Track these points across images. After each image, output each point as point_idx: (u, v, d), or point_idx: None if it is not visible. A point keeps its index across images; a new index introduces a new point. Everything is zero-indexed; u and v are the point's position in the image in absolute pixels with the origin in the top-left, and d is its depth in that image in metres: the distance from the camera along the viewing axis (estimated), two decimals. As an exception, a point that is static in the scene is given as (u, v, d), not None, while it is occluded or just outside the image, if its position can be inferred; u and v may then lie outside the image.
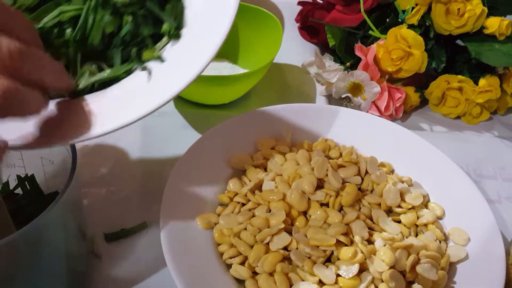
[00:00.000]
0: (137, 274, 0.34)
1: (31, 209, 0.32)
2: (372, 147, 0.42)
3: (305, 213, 0.35)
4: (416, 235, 0.36)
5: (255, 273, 0.33)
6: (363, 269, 0.32)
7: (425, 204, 0.39)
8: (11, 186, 0.34)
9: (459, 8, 0.47)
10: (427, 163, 0.41)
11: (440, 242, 0.35)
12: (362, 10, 0.50)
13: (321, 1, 0.56)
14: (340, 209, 0.36)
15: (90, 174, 0.41)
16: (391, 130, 0.43)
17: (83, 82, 0.26)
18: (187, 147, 0.38)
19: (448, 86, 0.49)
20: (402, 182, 0.39)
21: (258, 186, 0.38)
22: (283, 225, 0.33)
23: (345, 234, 0.33)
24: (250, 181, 0.38)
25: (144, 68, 0.27)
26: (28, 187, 0.33)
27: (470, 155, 0.46)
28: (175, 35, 0.28)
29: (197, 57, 0.26)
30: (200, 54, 0.26)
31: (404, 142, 0.42)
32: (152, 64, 0.27)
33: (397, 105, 0.49)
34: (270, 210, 0.35)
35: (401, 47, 0.47)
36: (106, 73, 0.27)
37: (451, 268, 0.34)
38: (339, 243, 0.33)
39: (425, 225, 0.36)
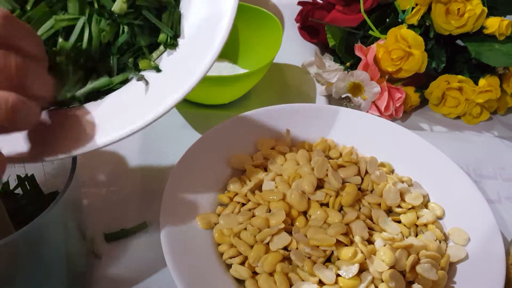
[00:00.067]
0: (137, 274, 0.34)
1: (31, 209, 0.32)
2: (372, 147, 0.42)
3: (305, 213, 0.35)
4: (416, 235, 0.36)
5: (255, 273, 0.33)
6: (363, 269, 0.32)
7: (425, 204, 0.39)
8: (11, 186, 0.34)
9: (459, 8, 0.47)
10: (427, 163, 0.41)
11: (440, 242, 0.35)
12: (362, 10, 0.50)
13: (321, 1, 0.56)
14: (340, 209, 0.36)
15: (90, 174, 0.41)
16: (391, 130, 0.43)
17: (79, 91, 0.26)
18: (187, 147, 0.38)
19: (448, 86, 0.49)
20: (402, 182, 0.39)
21: (258, 186, 0.38)
22: (283, 225, 0.33)
23: (345, 234, 0.33)
24: (250, 181, 0.38)
25: (141, 78, 0.27)
26: (28, 187, 0.33)
27: (470, 155, 0.46)
28: (172, 44, 0.28)
29: (194, 67, 0.26)
30: (197, 63, 0.26)
31: (404, 142, 0.42)
32: (148, 74, 0.27)
33: (397, 105, 0.49)
34: (270, 210, 0.35)
35: (401, 47, 0.47)
36: (103, 81, 0.27)
37: (451, 268, 0.34)
38: (339, 243, 0.33)
39: (425, 225, 0.36)
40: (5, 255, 0.25)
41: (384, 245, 0.33)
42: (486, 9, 0.47)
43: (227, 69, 0.51)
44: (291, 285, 0.32)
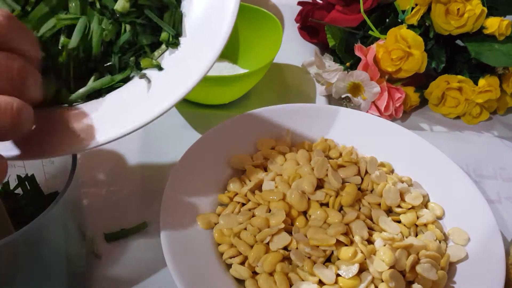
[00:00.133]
0: (137, 274, 0.34)
1: (31, 209, 0.32)
2: (372, 147, 0.42)
3: (305, 213, 0.35)
4: (416, 235, 0.36)
5: (255, 273, 0.33)
6: (363, 269, 0.32)
7: (425, 204, 0.39)
8: (11, 186, 0.34)
9: (458, 8, 0.47)
10: (427, 163, 0.41)
11: (440, 242, 0.35)
12: (362, 10, 0.50)
13: (321, 1, 0.56)
14: (340, 209, 0.36)
15: (90, 174, 0.41)
16: (391, 130, 0.43)
17: (81, 89, 0.26)
18: (187, 147, 0.38)
19: (448, 86, 0.49)
20: (402, 182, 0.39)
21: (258, 186, 0.38)
22: (283, 225, 0.33)
23: (345, 234, 0.33)
24: (250, 181, 0.38)
25: (143, 76, 0.27)
26: (28, 187, 0.33)
27: (470, 155, 0.46)
28: (174, 43, 0.28)
29: (196, 65, 0.26)
30: (199, 62, 0.26)
31: (404, 142, 0.42)
32: (150, 72, 0.27)
33: (397, 105, 0.49)
34: (270, 210, 0.35)
35: (401, 47, 0.47)
36: (104, 80, 0.27)
37: (451, 268, 0.34)
38: (339, 243, 0.33)
39: (425, 225, 0.36)
40: (5, 255, 0.25)
41: (384, 245, 0.33)
42: (485, 9, 0.47)
43: (227, 69, 0.51)
44: (291, 285, 0.32)
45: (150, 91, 0.26)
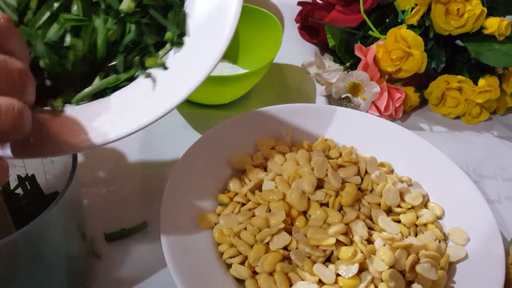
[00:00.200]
0: (137, 274, 0.34)
1: (31, 209, 0.32)
2: (371, 147, 0.42)
3: (305, 213, 0.35)
4: (416, 235, 0.36)
5: (255, 273, 0.33)
6: (362, 268, 0.32)
7: (425, 204, 0.39)
8: (12, 186, 0.34)
9: (458, 9, 0.47)
10: (427, 163, 0.41)
11: (439, 242, 0.35)
12: (361, 10, 0.50)
13: (321, 2, 0.56)
14: (340, 209, 0.36)
15: (90, 174, 0.41)
16: (390, 130, 0.43)
17: (87, 89, 0.26)
18: (187, 147, 0.39)
19: (448, 86, 0.49)
20: (402, 182, 0.39)
21: (258, 186, 0.38)
22: (283, 225, 0.33)
23: (345, 234, 0.33)
24: (250, 181, 0.38)
25: (148, 75, 0.27)
26: (29, 187, 0.33)
27: (470, 155, 0.46)
28: (178, 42, 0.28)
29: (200, 65, 0.26)
30: (202, 61, 0.26)
31: (404, 142, 0.42)
32: (154, 72, 0.27)
33: (397, 105, 0.49)
34: (270, 210, 0.35)
35: (400, 47, 0.47)
36: (110, 79, 0.27)
37: (451, 268, 0.34)
38: (338, 243, 0.33)
39: (425, 225, 0.36)
40: (5, 255, 0.25)
41: (384, 245, 0.33)
42: (485, 9, 0.47)
43: (227, 69, 0.51)
44: (291, 284, 0.32)
45: (155, 91, 0.26)
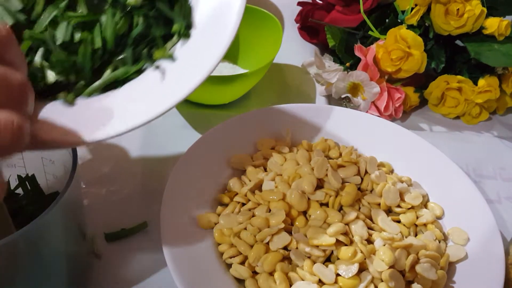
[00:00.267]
0: (137, 274, 0.34)
1: (31, 209, 0.32)
2: (371, 147, 0.42)
3: (305, 213, 0.36)
4: (416, 235, 0.36)
5: (255, 273, 0.33)
6: (362, 268, 0.32)
7: (425, 204, 0.39)
8: (12, 186, 0.34)
9: (458, 9, 0.47)
10: (427, 163, 0.41)
11: (439, 242, 0.35)
12: (361, 10, 0.50)
13: (320, 2, 0.57)
14: (340, 209, 0.36)
15: (90, 174, 0.41)
16: (390, 130, 0.43)
17: (97, 82, 0.27)
18: (187, 147, 0.39)
19: (448, 86, 0.49)
20: (402, 182, 0.39)
21: (258, 186, 0.38)
22: (283, 225, 0.33)
23: (345, 234, 0.33)
24: (250, 181, 0.38)
25: (157, 67, 0.27)
26: (29, 187, 0.33)
27: (469, 155, 0.46)
28: (185, 34, 0.28)
29: (208, 55, 0.27)
30: (210, 52, 0.27)
31: (404, 142, 0.42)
32: (163, 63, 0.28)
33: (397, 105, 0.49)
34: (270, 210, 0.35)
35: (400, 48, 0.47)
36: (119, 72, 0.27)
37: (451, 267, 0.35)
38: (338, 243, 0.33)
39: (425, 225, 0.36)
40: (5, 255, 0.25)
41: (384, 245, 0.33)
42: (485, 10, 0.47)
43: (227, 69, 0.51)
44: (290, 284, 0.32)
45: (164, 82, 0.27)
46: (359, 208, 0.37)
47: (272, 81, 0.53)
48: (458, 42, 0.51)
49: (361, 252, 0.32)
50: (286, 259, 0.33)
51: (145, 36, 0.28)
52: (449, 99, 0.50)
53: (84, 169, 0.41)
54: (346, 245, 0.33)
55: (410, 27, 0.49)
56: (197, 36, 0.28)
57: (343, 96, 0.50)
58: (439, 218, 0.38)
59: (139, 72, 0.27)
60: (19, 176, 0.33)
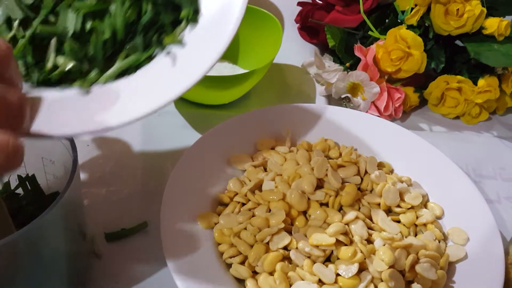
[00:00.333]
0: (137, 274, 0.35)
1: (31, 209, 0.32)
2: (371, 147, 0.42)
3: (305, 213, 0.36)
4: (416, 235, 0.36)
5: (255, 273, 0.33)
6: (362, 268, 0.32)
7: (425, 204, 0.39)
8: (12, 186, 0.34)
9: (458, 9, 0.47)
10: (427, 163, 0.41)
11: (439, 242, 0.35)
12: (361, 10, 0.50)
13: (320, 2, 0.57)
14: (340, 209, 0.36)
15: (90, 174, 0.41)
16: (390, 130, 0.43)
17: (110, 71, 0.27)
18: (187, 147, 0.39)
19: (447, 86, 0.49)
20: (402, 182, 0.39)
21: (258, 186, 0.38)
22: (283, 225, 0.33)
23: (345, 233, 0.33)
24: (250, 181, 0.38)
25: (168, 53, 0.28)
26: (29, 187, 0.33)
27: (469, 155, 0.46)
28: (193, 19, 0.29)
29: (216, 39, 0.27)
30: (219, 35, 0.27)
31: (404, 142, 0.42)
32: (173, 49, 0.28)
33: (397, 105, 0.49)
34: (270, 210, 0.35)
35: (400, 48, 0.47)
36: (131, 59, 0.27)
37: (451, 267, 0.35)
38: (338, 243, 0.33)
39: (425, 224, 0.36)
40: (5, 255, 0.25)
41: (384, 245, 0.33)
42: (485, 10, 0.47)
43: (227, 69, 0.51)
44: (290, 284, 0.32)
45: (176, 67, 0.27)
46: (359, 208, 0.37)
47: (272, 81, 0.53)
48: (458, 42, 0.51)
49: (361, 252, 0.32)
50: (286, 259, 0.33)
51: (154, 23, 0.28)
52: (449, 99, 0.50)
53: (84, 169, 0.41)
54: (346, 245, 0.33)
55: (410, 27, 0.49)
56: (205, 21, 0.29)
57: (343, 96, 0.50)
58: (439, 218, 0.38)
59: (150, 58, 0.28)
60: (19, 176, 0.33)
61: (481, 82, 0.48)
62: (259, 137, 0.42)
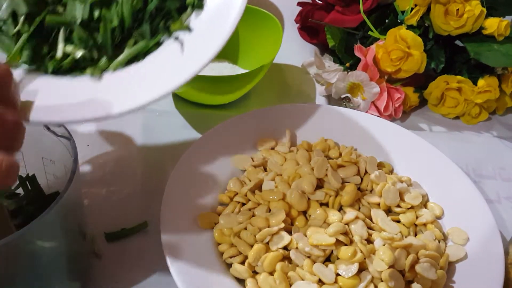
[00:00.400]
0: (137, 274, 0.35)
1: (31, 209, 0.32)
2: (371, 147, 0.42)
3: (304, 212, 0.36)
4: (415, 235, 0.36)
5: (255, 273, 0.33)
6: (362, 268, 0.32)
7: (424, 204, 0.39)
8: (13, 186, 0.34)
9: (458, 9, 0.47)
10: (427, 163, 0.41)
11: (439, 242, 0.35)
12: (361, 10, 0.50)
13: (320, 2, 0.57)
14: (340, 208, 0.36)
15: (90, 174, 0.41)
16: (390, 130, 0.43)
17: (119, 58, 0.28)
18: (187, 147, 0.39)
19: (447, 86, 0.49)
20: (402, 182, 0.39)
21: (258, 186, 0.38)
22: (283, 225, 0.33)
23: (345, 233, 0.33)
24: (250, 181, 0.38)
25: (176, 39, 0.28)
26: (29, 187, 0.33)
27: (469, 155, 0.46)
28: (199, 5, 0.29)
29: (222, 24, 0.28)
30: (224, 20, 0.28)
31: (404, 142, 0.42)
32: (180, 35, 0.29)
33: (396, 105, 0.49)
34: (270, 210, 0.35)
35: (400, 48, 0.47)
36: (140, 46, 0.28)
37: (450, 267, 0.35)
38: (338, 243, 0.33)
39: (424, 224, 0.36)
40: (5, 255, 0.25)
41: (384, 245, 0.33)
42: (485, 10, 0.47)
43: (227, 69, 0.52)
44: (290, 284, 0.32)
45: (184, 51, 0.28)
46: (359, 208, 0.37)
47: (272, 81, 0.53)
48: (458, 42, 0.51)
49: (361, 252, 0.32)
50: (286, 259, 0.33)
51: (160, 9, 0.29)
52: (448, 99, 0.50)
53: (84, 169, 0.41)
54: (346, 245, 0.33)
55: (410, 27, 0.49)
56: (209, 7, 0.29)
57: (343, 96, 0.50)
58: (438, 218, 0.38)
59: (158, 44, 0.29)
60: (19, 176, 0.33)
61: (481, 82, 0.49)
62: (259, 137, 0.42)
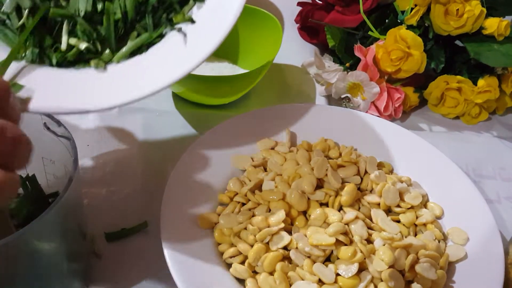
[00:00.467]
0: (137, 274, 0.35)
1: (31, 209, 0.32)
2: (371, 147, 0.42)
3: (304, 212, 0.36)
4: (415, 235, 0.36)
5: (255, 273, 0.33)
6: (362, 268, 0.32)
7: (424, 204, 0.39)
8: (8, 202, 0.34)
9: (458, 9, 0.47)
10: (427, 163, 0.41)
11: (439, 242, 0.35)
12: (361, 10, 0.50)
13: (320, 2, 0.57)
14: (340, 208, 0.36)
15: (90, 174, 0.41)
16: (390, 130, 0.43)
17: (123, 49, 0.28)
18: (187, 147, 0.39)
19: (447, 86, 0.49)
20: (401, 182, 0.39)
21: (258, 186, 0.38)
22: (283, 225, 0.33)
23: (345, 233, 0.33)
24: (250, 181, 0.38)
25: (179, 30, 0.29)
26: (29, 187, 0.33)
27: (469, 155, 0.46)
28: None
29: (224, 15, 0.28)
30: (226, 11, 0.28)
31: (404, 142, 0.42)
32: (183, 27, 0.29)
33: (396, 105, 0.49)
34: (270, 210, 0.35)
35: (400, 48, 0.47)
36: (143, 37, 0.28)
37: (450, 267, 0.35)
38: (338, 243, 0.33)
39: (424, 224, 0.37)
40: (5, 255, 0.25)
41: (384, 245, 0.33)
42: (485, 10, 0.47)
43: (227, 69, 0.51)
44: (290, 284, 0.32)
45: (188, 42, 0.28)
46: (359, 208, 0.37)
47: (272, 81, 0.53)
48: (458, 42, 0.51)
49: (361, 252, 0.32)
50: (286, 259, 0.33)
51: (162, 2, 0.29)
52: (448, 99, 0.50)
53: (84, 169, 0.41)
54: (346, 245, 0.33)
55: (410, 27, 0.49)
56: (210, 1, 0.30)
57: (343, 96, 0.50)
58: (438, 218, 0.38)
59: (161, 36, 0.29)
60: (19, 176, 0.33)
61: (481, 82, 0.49)
62: (259, 137, 0.42)
